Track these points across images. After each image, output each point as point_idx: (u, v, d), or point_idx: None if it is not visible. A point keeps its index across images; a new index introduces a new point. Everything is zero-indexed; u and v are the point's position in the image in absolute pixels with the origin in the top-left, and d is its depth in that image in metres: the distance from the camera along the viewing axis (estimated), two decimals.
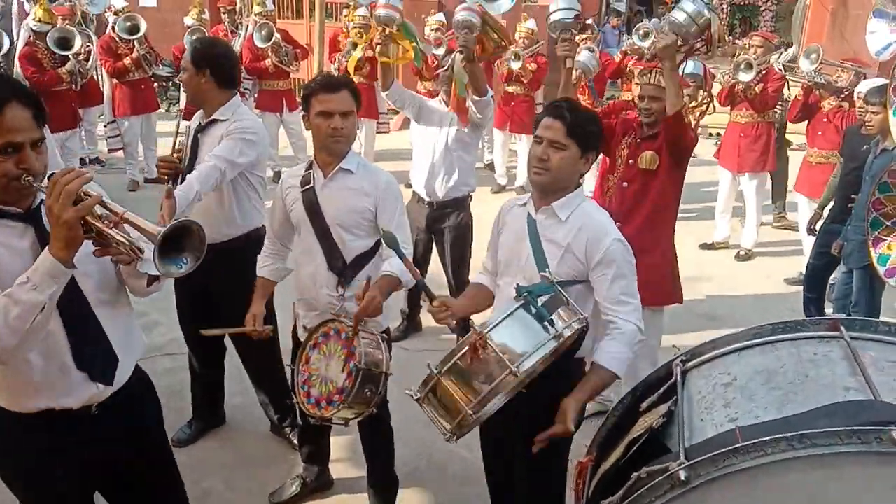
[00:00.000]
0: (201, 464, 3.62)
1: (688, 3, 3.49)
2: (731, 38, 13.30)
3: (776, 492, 1.17)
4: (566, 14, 3.81)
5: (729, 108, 6.79)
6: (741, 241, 6.86)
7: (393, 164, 7.89)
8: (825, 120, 5.99)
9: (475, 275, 2.90)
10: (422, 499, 3.52)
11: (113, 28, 7.67)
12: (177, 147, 3.40)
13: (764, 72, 6.39)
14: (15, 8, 10.29)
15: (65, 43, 6.92)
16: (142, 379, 2.32)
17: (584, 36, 7.61)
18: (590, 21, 8.14)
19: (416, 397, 2.26)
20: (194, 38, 7.73)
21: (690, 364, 1.40)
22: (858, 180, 4.62)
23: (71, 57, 6.93)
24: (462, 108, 4.34)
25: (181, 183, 3.26)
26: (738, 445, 1.16)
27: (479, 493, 3.07)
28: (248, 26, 8.21)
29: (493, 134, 8.54)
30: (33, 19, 7.14)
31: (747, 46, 6.79)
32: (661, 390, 1.40)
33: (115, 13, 7.96)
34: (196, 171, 3.22)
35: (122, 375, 2.16)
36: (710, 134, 10.78)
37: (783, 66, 6.42)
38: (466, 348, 2.16)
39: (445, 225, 4.61)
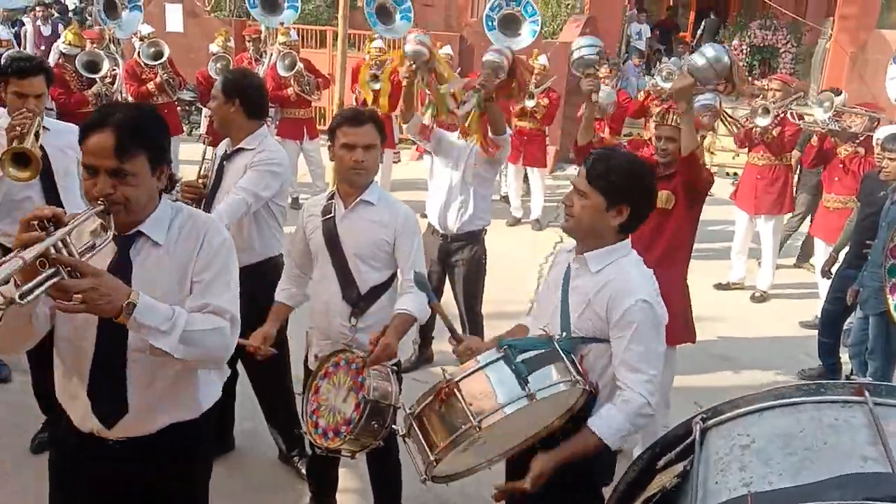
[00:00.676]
0: (211, 491, 3.60)
1: (708, 49, 3.55)
2: (750, 78, 13.32)
3: None
4: (590, 51, 3.87)
5: (747, 150, 6.80)
6: (757, 283, 6.82)
7: (408, 194, 7.93)
8: (841, 166, 5.98)
9: (526, 317, 2.79)
10: None
11: (138, 53, 7.83)
12: (202, 173, 3.48)
13: (781, 115, 6.41)
14: (30, 29, 10.52)
15: (93, 66, 7.06)
16: (177, 439, 2.17)
17: (603, 73, 7.68)
18: (614, 61, 8.21)
19: (400, 433, 2.29)
20: (219, 65, 7.88)
21: (711, 422, 1.38)
22: (874, 226, 4.60)
23: (98, 80, 7.06)
24: (481, 140, 4.36)
25: (203, 208, 3.35)
26: None
27: None
28: (272, 55, 8.34)
29: (507, 167, 8.59)
30: (63, 42, 7.29)
31: (766, 88, 6.82)
32: (680, 448, 1.39)
33: (141, 39, 8.12)
34: (224, 204, 3.29)
35: (138, 428, 2.11)
36: (728, 174, 10.77)
37: (796, 115, 6.41)
38: (434, 394, 2.14)
39: (458, 258, 4.62)
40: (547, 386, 2.10)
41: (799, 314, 6.34)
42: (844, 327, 5.26)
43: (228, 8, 12.22)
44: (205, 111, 8.93)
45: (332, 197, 3.05)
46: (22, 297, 1.63)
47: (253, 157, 3.40)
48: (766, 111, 6.28)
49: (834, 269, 5.30)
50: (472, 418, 2.04)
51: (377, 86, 7.72)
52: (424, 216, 4.81)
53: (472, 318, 4.76)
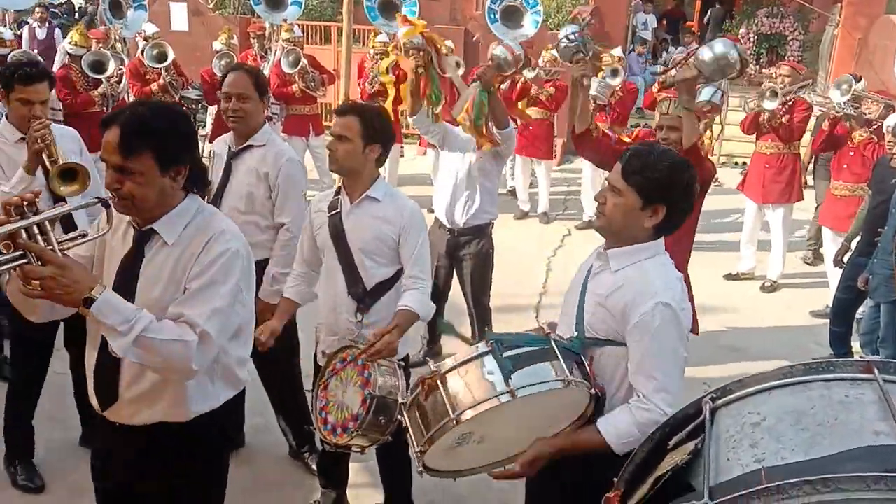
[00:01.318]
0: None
1: (718, 44, 3.53)
2: (757, 66, 13.25)
3: None
4: (569, 32, 3.86)
5: (754, 137, 6.76)
6: (766, 273, 6.78)
7: (414, 189, 7.94)
8: (851, 153, 5.93)
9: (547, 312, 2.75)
10: None
11: (142, 53, 7.85)
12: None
13: (791, 102, 6.36)
14: (26, 31, 10.56)
15: (99, 66, 7.08)
16: (166, 438, 2.19)
17: (608, 60, 7.67)
18: (618, 52, 8.16)
19: (402, 421, 2.28)
20: (223, 62, 7.89)
21: (720, 402, 1.37)
22: (886, 213, 4.57)
23: (104, 80, 7.08)
24: (480, 133, 4.33)
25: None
26: (762, 487, 1.13)
27: None
28: (276, 52, 8.35)
29: (514, 159, 8.56)
30: (70, 43, 7.32)
31: (774, 76, 6.78)
32: (690, 428, 1.38)
33: (145, 39, 8.14)
34: (281, 255, 3.44)
35: (128, 417, 2.18)
36: (736, 163, 10.73)
37: (817, 96, 6.35)
38: (419, 386, 2.14)
39: (466, 252, 4.61)
40: (532, 384, 2.02)
41: (809, 303, 6.31)
42: (856, 316, 5.23)
43: (233, 5, 12.23)
44: (210, 109, 8.95)
45: (338, 192, 3.05)
46: None
47: (273, 163, 3.41)
48: (774, 94, 6.23)
49: (846, 258, 5.26)
50: (451, 412, 2.02)
51: (386, 78, 7.71)
52: (431, 211, 4.80)
53: (480, 311, 4.75)
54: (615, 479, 1.63)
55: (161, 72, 7.69)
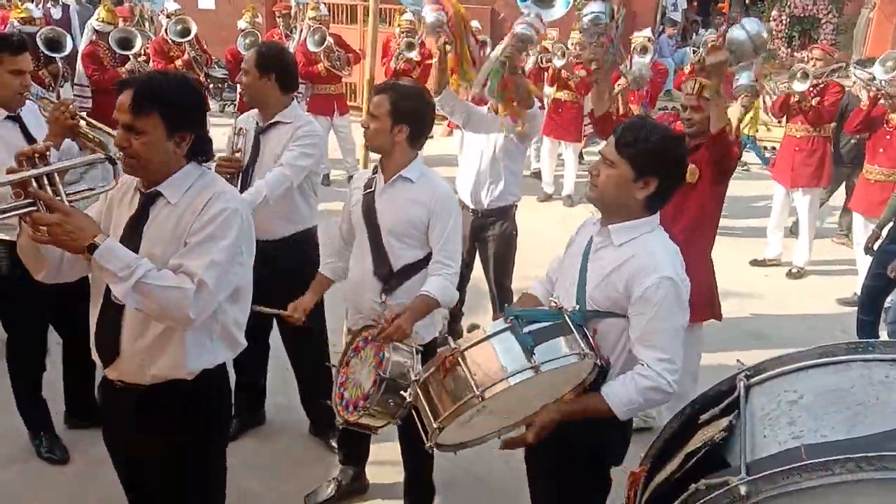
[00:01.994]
0: (240, 463, 3.64)
1: (750, 23, 3.44)
2: (789, 49, 13.00)
3: None
4: (598, 11, 3.78)
5: (784, 121, 6.63)
6: (793, 259, 6.69)
7: (441, 171, 7.86)
8: (888, 136, 5.77)
9: (533, 282, 2.76)
10: None
11: (166, 30, 7.86)
12: (235, 147, 3.50)
13: (822, 85, 6.23)
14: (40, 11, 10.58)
15: (126, 43, 7.11)
16: (170, 396, 2.26)
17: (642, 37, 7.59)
18: (647, 32, 8.05)
19: (409, 399, 2.32)
20: (247, 41, 7.90)
21: (754, 380, 1.35)
22: None
23: (131, 57, 7.11)
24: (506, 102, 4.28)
25: (239, 181, 3.43)
26: (803, 463, 1.11)
27: None
28: (302, 31, 8.34)
29: (541, 141, 8.50)
30: (97, 20, 7.35)
31: (807, 59, 6.63)
32: (724, 404, 1.35)
33: (168, 16, 8.16)
34: (266, 178, 3.34)
35: (130, 375, 2.25)
36: (765, 148, 10.56)
37: (858, 73, 6.14)
38: (439, 363, 2.14)
39: (489, 234, 4.58)
40: (553, 358, 2.06)
41: (836, 291, 6.21)
42: (885, 304, 5.13)
43: None
44: (239, 87, 8.97)
45: (375, 171, 3.04)
46: None
47: (293, 131, 3.43)
48: (805, 75, 6.10)
49: (876, 245, 5.15)
50: (475, 388, 2.04)
51: (412, 54, 7.71)
52: (455, 192, 4.77)
53: (502, 293, 4.73)
54: (642, 455, 1.61)
55: (185, 48, 7.69)
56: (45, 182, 1.99)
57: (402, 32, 8.04)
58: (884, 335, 5.04)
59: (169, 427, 2.29)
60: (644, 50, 7.56)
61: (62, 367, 3.82)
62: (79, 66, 7.25)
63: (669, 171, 2.23)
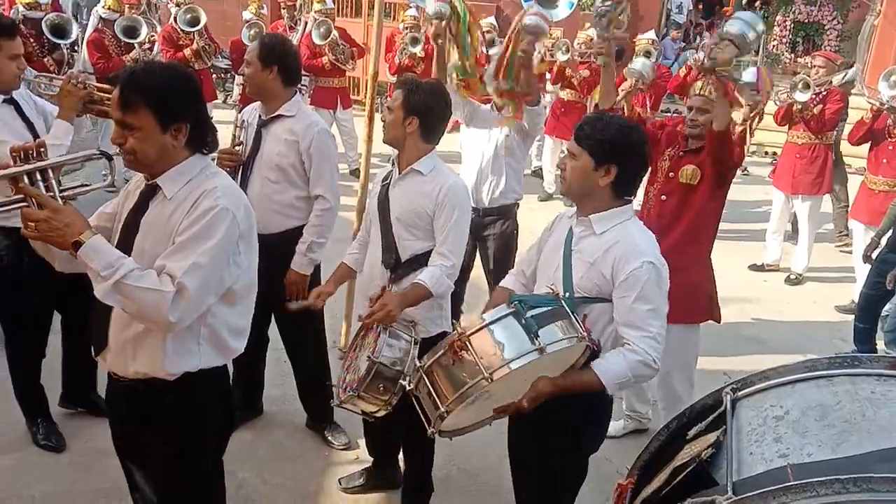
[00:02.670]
0: (236, 455, 3.66)
1: (746, 14, 3.43)
2: (792, 55, 12.98)
3: None
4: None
5: (786, 127, 6.64)
6: (792, 265, 6.70)
7: None
8: (891, 147, 5.78)
9: (507, 276, 2.85)
10: None
11: (174, 19, 7.85)
12: (237, 140, 3.50)
13: (824, 93, 6.23)
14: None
15: (131, 31, 7.10)
16: (150, 395, 2.25)
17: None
18: (650, 35, 8.04)
19: (409, 388, 2.41)
20: (252, 32, 7.88)
21: (741, 393, 1.35)
22: None
23: (136, 45, 7.10)
24: (514, 98, 4.27)
25: (239, 175, 3.46)
26: (789, 484, 1.11)
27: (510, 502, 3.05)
28: (306, 23, 8.32)
29: (543, 140, 8.50)
30: (103, 7, 7.34)
31: (810, 65, 6.64)
32: (710, 419, 1.36)
33: (177, 4, 8.14)
34: (318, 219, 3.50)
35: (116, 366, 2.27)
36: (766, 153, 10.57)
37: (862, 87, 6.13)
38: (446, 348, 2.23)
39: (490, 232, 4.58)
40: (556, 340, 2.17)
41: (835, 298, 6.23)
42: (882, 313, 5.15)
43: None
44: (238, 78, 8.97)
45: (394, 164, 3.10)
46: None
47: (303, 134, 3.42)
48: (807, 86, 6.10)
49: (875, 254, 5.16)
50: (483, 371, 2.12)
51: (416, 49, 7.70)
52: None
53: None
54: (628, 467, 1.63)
55: (194, 37, 7.68)
56: (38, 178, 2.03)
57: (407, 28, 8.03)
58: (881, 343, 5.06)
59: (158, 424, 2.28)
60: (647, 54, 7.56)
61: (62, 350, 3.83)
62: (83, 53, 7.24)
63: (627, 158, 2.38)
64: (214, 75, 9.10)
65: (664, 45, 11.48)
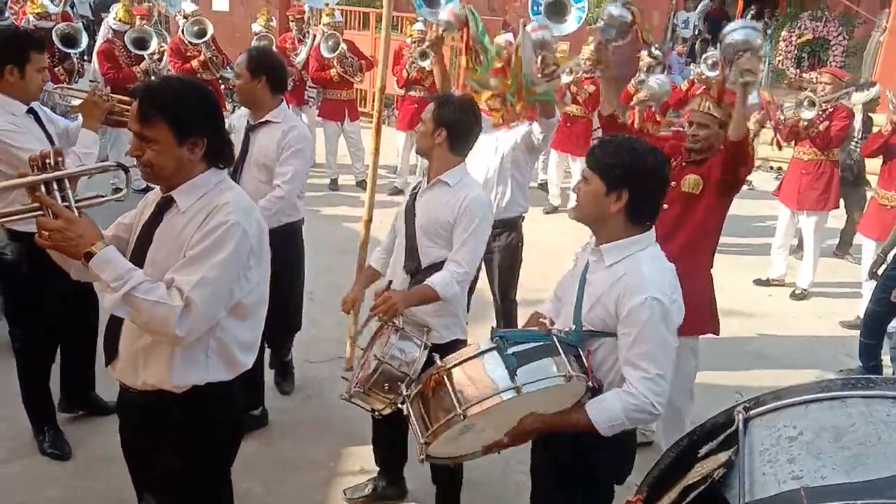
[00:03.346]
0: (241, 466, 3.65)
1: (741, 22, 3.48)
2: (797, 70, 13.01)
3: None
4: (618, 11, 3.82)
5: (792, 143, 6.65)
6: (797, 280, 6.69)
7: None
8: None
9: (546, 302, 2.77)
10: None
11: (182, 31, 7.92)
12: None
13: (830, 109, 6.25)
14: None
15: (141, 43, 7.16)
16: (159, 407, 2.26)
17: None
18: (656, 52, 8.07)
19: (405, 413, 2.40)
20: (262, 45, 7.92)
21: (753, 412, 1.34)
22: None
23: (146, 56, 7.16)
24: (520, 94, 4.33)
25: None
26: None
27: None
28: (315, 36, 8.38)
29: (548, 153, 8.52)
30: (114, 18, 7.41)
31: (816, 82, 6.65)
32: (722, 437, 1.36)
33: (185, 17, 8.22)
34: (265, 201, 3.63)
35: (126, 377, 2.29)
36: (771, 167, 10.58)
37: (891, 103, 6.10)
38: (425, 380, 2.22)
39: (495, 245, 4.59)
40: (537, 380, 2.09)
41: (840, 314, 6.21)
42: (888, 329, 5.13)
43: None
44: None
45: (425, 175, 3.20)
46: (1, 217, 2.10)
47: (283, 134, 3.67)
48: (812, 104, 6.12)
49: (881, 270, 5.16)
50: (457, 406, 2.10)
51: (425, 63, 7.74)
52: None
53: (507, 305, 4.75)
54: (636, 484, 1.63)
55: (202, 49, 7.74)
56: (55, 187, 2.04)
57: (415, 42, 8.08)
58: (886, 359, 5.05)
59: (166, 436, 2.30)
60: (650, 69, 7.59)
61: (60, 354, 3.84)
62: (93, 63, 7.30)
63: (640, 182, 2.23)
64: (223, 87, 9.15)
65: (670, 60, 11.52)
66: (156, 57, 7.26)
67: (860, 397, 1.23)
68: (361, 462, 3.78)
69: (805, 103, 6.17)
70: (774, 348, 5.55)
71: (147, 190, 2.60)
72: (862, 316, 5.30)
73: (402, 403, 2.77)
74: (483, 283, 4.81)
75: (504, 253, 4.62)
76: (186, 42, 7.77)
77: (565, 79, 7.80)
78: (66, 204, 2.04)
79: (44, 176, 2.02)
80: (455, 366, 2.17)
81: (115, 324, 2.25)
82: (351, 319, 4.03)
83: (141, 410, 2.31)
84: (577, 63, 7.97)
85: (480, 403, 2.08)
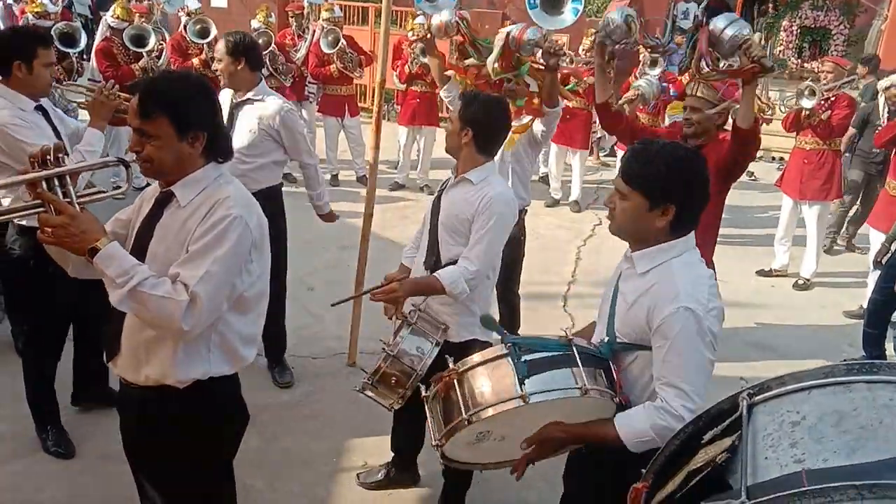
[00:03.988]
0: (243, 460, 3.66)
1: (717, 17, 3.48)
2: (799, 60, 12.97)
3: None
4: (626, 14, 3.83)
5: (794, 133, 6.63)
6: (800, 270, 6.68)
7: (447, 174, 7.93)
8: None
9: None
10: None
11: (184, 28, 7.90)
12: None
13: (833, 98, 6.22)
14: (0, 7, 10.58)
15: (140, 40, 7.15)
16: (161, 403, 2.25)
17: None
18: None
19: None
20: (261, 41, 7.88)
21: (757, 398, 1.34)
22: None
23: (144, 54, 7.15)
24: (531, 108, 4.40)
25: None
26: (803, 489, 1.11)
27: None
28: (314, 31, 8.36)
29: (549, 146, 8.51)
30: (112, 16, 7.40)
31: (817, 71, 6.63)
32: (726, 423, 1.35)
33: (188, 14, 8.20)
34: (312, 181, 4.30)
35: (128, 372, 2.28)
36: (773, 158, 10.56)
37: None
38: (438, 382, 2.20)
39: None
40: (546, 390, 2.01)
41: (843, 304, 6.21)
42: (893, 318, 5.13)
43: None
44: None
45: (453, 171, 3.22)
46: (1, 214, 2.10)
47: (273, 115, 3.98)
48: (812, 93, 6.09)
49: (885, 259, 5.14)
50: (464, 411, 2.07)
51: (426, 58, 7.73)
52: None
53: (509, 298, 4.75)
54: (643, 471, 1.62)
55: (203, 47, 7.73)
56: (56, 183, 2.02)
57: (416, 36, 8.05)
58: (890, 348, 5.04)
59: (168, 432, 2.29)
60: (654, 63, 7.58)
61: (74, 347, 3.85)
62: (92, 61, 7.30)
63: (687, 194, 2.09)
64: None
65: (673, 49, 11.47)
66: (154, 54, 7.25)
67: (864, 382, 1.22)
68: (365, 457, 3.79)
69: (805, 93, 6.14)
70: (778, 339, 5.54)
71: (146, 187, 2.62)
72: (866, 305, 5.29)
73: (403, 400, 2.84)
74: None
75: (506, 247, 4.60)
76: (188, 39, 7.76)
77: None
78: (68, 200, 2.02)
79: (45, 172, 2.01)
80: (467, 370, 2.13)
81: (117, 320, 2.24)
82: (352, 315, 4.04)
83: (142, 406, 2.31)
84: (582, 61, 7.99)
85: (486, 410, 2.04)
